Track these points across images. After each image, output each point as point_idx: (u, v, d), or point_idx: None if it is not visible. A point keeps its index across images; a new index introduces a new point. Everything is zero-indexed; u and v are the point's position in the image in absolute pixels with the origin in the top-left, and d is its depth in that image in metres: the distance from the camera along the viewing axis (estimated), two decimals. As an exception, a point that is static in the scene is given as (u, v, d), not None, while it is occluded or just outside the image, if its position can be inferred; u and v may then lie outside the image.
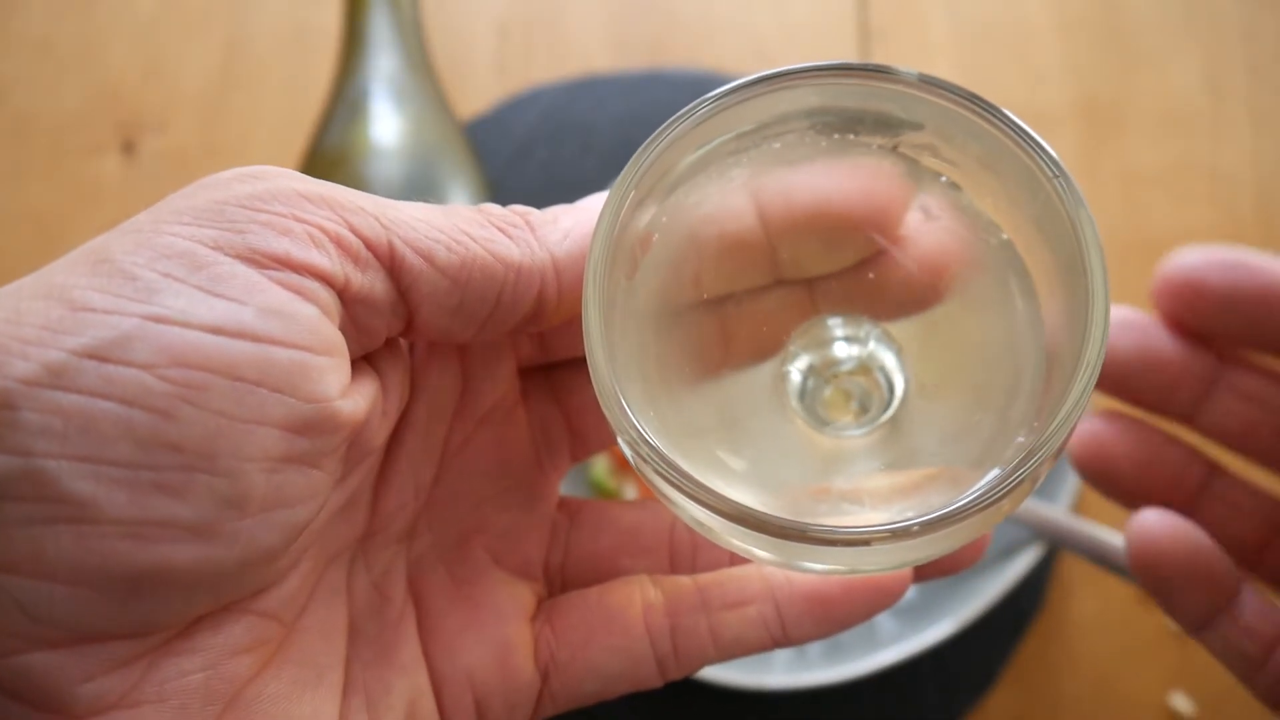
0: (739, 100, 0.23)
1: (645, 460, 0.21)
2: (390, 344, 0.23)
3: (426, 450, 0.25)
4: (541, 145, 0.55)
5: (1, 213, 0.55)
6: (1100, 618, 0.50)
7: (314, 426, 0.20)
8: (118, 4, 0.59)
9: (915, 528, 0.20)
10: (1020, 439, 0.22)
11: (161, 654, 0.20)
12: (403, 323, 0.22)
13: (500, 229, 0.22)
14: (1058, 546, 0.43)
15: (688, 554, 0.26)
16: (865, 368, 0.25)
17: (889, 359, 0.25)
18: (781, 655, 0.46)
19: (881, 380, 0.25)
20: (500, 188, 0.54)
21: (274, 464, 0.19)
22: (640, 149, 0.22)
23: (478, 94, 0.57)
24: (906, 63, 0.65)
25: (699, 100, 0.22)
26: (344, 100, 0.47)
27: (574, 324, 0.24)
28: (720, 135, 0.24)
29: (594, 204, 0.24)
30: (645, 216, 0.23)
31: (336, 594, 0.23)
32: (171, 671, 0.20)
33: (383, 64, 0.48)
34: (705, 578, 0.25)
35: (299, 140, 0.53)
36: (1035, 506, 0.43)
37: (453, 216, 0.22)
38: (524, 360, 0.26)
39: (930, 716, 0.48)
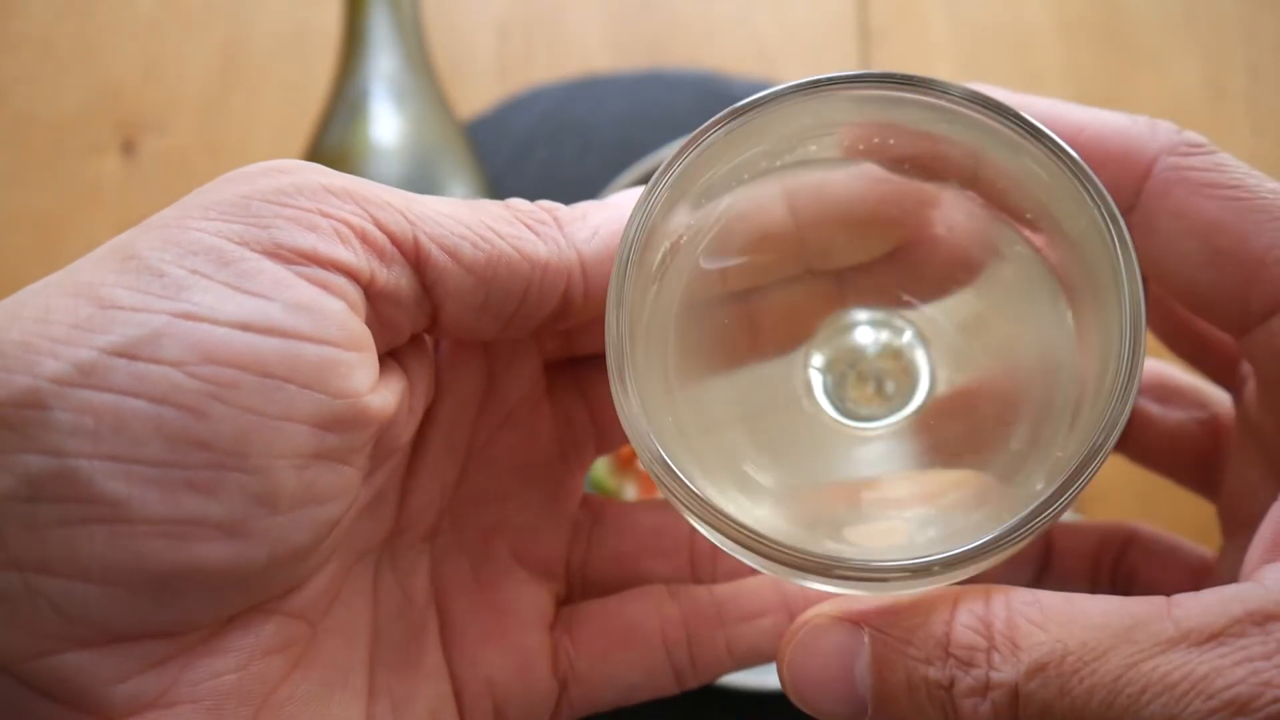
0: (775, 107, 0.22)
1: (664, 484, 0.21)
2: (415, 340, 0.23)
3: (451, 447, 0.25)
4: (541, 145, 0.55)
5: (1, 213, 0.55)
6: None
7: (344, 422, 0.20)
8: (118, 4, 0.59)
9: (936, 567, 0.19)
10: (1048, 465, 0.22)
11: (195, 654, 0.20)
12: (427, 319, 0.22)
13: (527, 225, 0.22)
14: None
15: (708, 559, 0.26)
16: (893, 352, 0.25)
17: (918, 351, 0.25)
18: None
19: (909, 367, 0.25)
20: (500, 188, 0.54)
21: (304, 461, 0.19)
22: (675, 152, 0.22)
23: (478, 94, 0.57)
24: (906, 63, 0.65)
25: (734, 107, 0.22)
26: (344, 100, 0.47)
27: (601, 320, 0.24)
28: (756, 143, 0.23)
29: (623, 200, 0.23)
30: (677, 217, 0.23)
31: (361, 595, 0.23)
32: (205, 672, 0.20)
33: (383, 64, 0.47)
34: (721, 590, 0.25)
35: (299, 140, 0.53)
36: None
37: (479, 212, 0.22)
38: (549, 355, 0.26)
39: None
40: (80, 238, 0.54)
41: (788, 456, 0.24)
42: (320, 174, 0.21)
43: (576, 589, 0.26)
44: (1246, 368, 0.26)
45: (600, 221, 0.23)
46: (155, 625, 0.19)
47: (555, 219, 0.23)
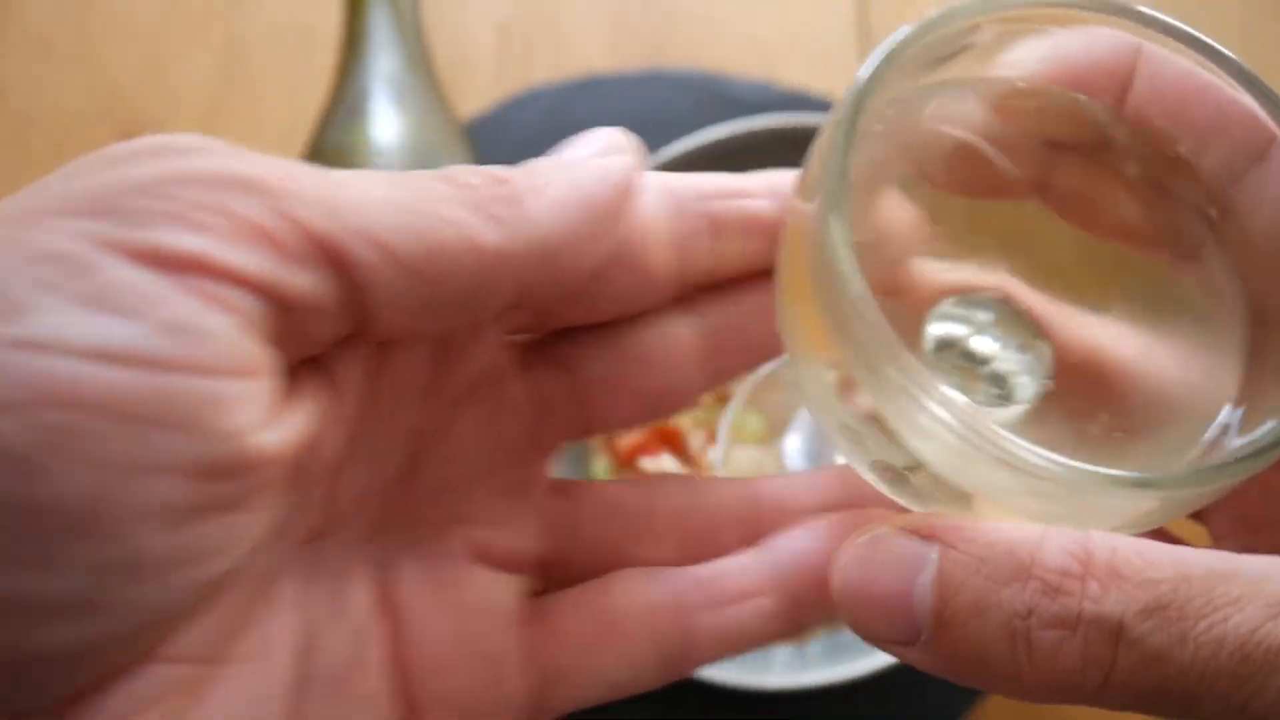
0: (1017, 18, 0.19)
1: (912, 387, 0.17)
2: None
3: (392, 436, 0.21)
4: (542, 145, 0.54)
5: (1, 213, 0.55)
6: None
7: (227, 468, 0.16)
8: (118, 4, 0.59)
9: (1176, 479, 0.17)
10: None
11: None
12: (354, 324, 0.18)
13: (476, 205, 0.18)
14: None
15: (706, 538, 0.23)
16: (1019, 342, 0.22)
17: (1041, 349, 0.22)
18: (781, 654, 0.46)
19: (1026, 359, 0.22)
20: (500, 188, 0.54)
21: (178, 516, 0.15)
22: (879, 58, 0.19)
23: (478, 94, 0.57)
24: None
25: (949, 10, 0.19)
26: (344, 100, 0.47)
27: (577, 298, 0.21)
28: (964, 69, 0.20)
29: (583, 153, 0.20)
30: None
31: (280, 614, 0.19)
32: None
33: (383, 64, 0.47)
34: (705, 570, 0.22)
35: (299, 141, 0.53)
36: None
37: (416, 193, 0.18)
38: (520, 328, 0.22)
39: (931, 716, 0.48)
40: (80, 238, 0.54)
41: None
42: (215, 155, 0.17)
43: (554, 584, 0.23)
44: None
45: (563, 193, 0.19)
46: None
47: (509, 193, 0.19)
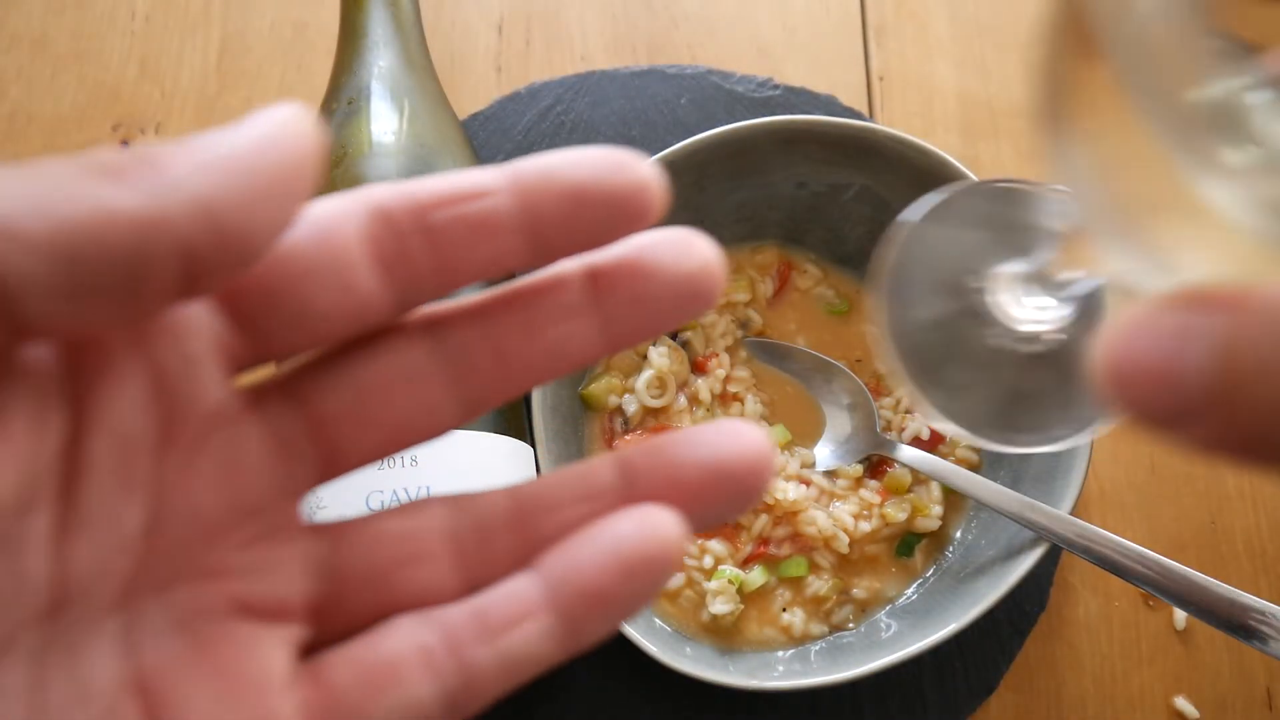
0: None
1: None
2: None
3: (123, 491, 0.19)
4: (541, 143, 0.54)
5: (-2, 211, 0.55)
6: (1103, 618, 0.50)
7: None
8: (115, 2, 0.58)
9: None
10: None
11: None
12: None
13: (106, 175, 0.17)
14: (1060, 548, 0.42)
15: (479, 552, 0.22)
16: None
17: None
18: (783, 655, 0.46)
19: None
20: (499, 186, 0.54)
21: None
22: None
23: (476, 91, 0.57)
24: (906, 59, 0.65)
25: None
26: (342, 98, 0.47)
27: (291, 305, 0.19)
28: None
29: (247, 126, 0.18)
30: None
31: (8, 703, 0.17)
32: None
33: (381, 61, 0.47)
34: (478, 601, 0.21)
35: (297, 138, 0.53)
36: (1037, 509, 0.43)
37: (35, 176, 0.17)
38: (241, 360, 0.21)
39: (931, 718, 0.48)
40: (77, 236, 0.54)
41: None
42: None
43: (330, 626, 0.22)
44: None
45: (211, 154, 0.17)
46: None
47: (146, 160, 0.17)
